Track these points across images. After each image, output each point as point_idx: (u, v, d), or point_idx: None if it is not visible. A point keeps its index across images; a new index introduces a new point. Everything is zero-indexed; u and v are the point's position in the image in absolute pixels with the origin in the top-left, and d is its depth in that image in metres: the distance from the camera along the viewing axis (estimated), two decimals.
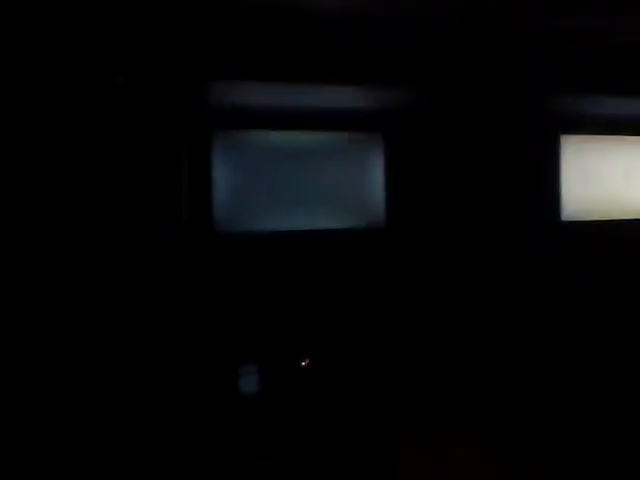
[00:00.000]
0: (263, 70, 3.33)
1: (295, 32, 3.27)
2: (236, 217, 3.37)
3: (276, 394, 3.11)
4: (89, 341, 2.57)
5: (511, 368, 3.75)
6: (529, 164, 4.24)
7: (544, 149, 4.34)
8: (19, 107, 2.44)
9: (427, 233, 3.87)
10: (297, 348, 3.32)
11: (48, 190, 2.53)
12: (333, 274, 3.60)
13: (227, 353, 3.12)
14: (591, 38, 3.71)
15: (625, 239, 4.53)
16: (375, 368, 3.55)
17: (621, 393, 3.10)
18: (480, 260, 3.98)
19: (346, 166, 3.72)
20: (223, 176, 3.38)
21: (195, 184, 3.27)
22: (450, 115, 3.96)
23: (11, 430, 1.84)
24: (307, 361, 2.98)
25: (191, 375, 2.92)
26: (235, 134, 3.45)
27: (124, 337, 2.66)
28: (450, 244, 3.92)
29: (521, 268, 4.10)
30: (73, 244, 2.59)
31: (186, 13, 2.92)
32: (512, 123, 4.16)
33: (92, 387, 2.54)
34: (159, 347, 2.75)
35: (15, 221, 2.38)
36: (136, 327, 2.71)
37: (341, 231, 3.66)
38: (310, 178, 3.60)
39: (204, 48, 3.09)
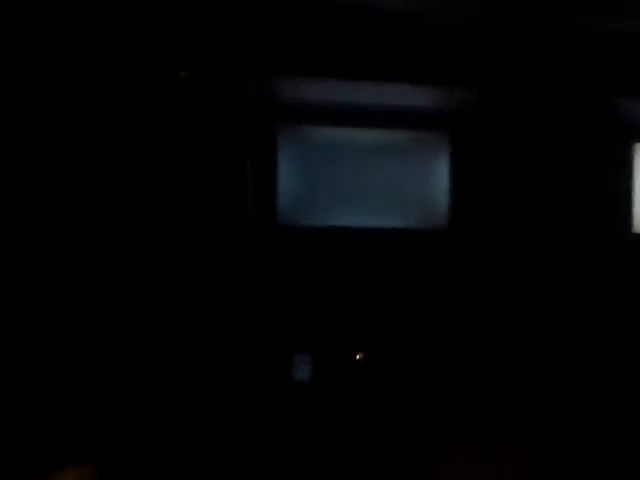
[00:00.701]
0: (329, 66, 3.40)
1: (363, 30, 3.32)
2: (299, 212, 3.46)
3: (327, 384, 3.17)
4: (154, 327, 2.72)
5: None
6: (599, 171, 4.07)
7: (616, 156, 4.16)
8: (84, 102, 2.59)
9: (490, 237, 3.81)
10: (351, 343, 3.37)
11: (115, 185, 2.69)
12: (392, 273, 3.61)
13: (284, 343, 3.21)
14: None
15: None
16: (426, 367, 3.54)
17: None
18: (544, 269, 3.87)
19: (410, 165, 3.73)
20: (287, 171, 3.47)
21: (260, 179, 3.38)
22: (518, 118, 3.88)
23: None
24: (362, 356, 3.03)
25: (248, 363, 3.03)
26: (300, 130, 3.54)
27: (186, 326, 2.80)
28: (513, 250, 3.84)
29: (587, 278, 3.96)
30: (139, 238, 2.74)
31: (252, 9, 3.02)
32: (583, 128, 4.02)
33: (153, 366, 2.68)
34: (220, 335, 2.87)
35: (85, 215, 2.54)
36: (200, 316, 2.84)
37: (403, 231, 3.67)
38: (374, 176, 3.63)
39: (270, 44, 3.18)
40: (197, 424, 2.69)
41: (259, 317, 3.18)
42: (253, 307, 3.16)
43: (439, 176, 3.81)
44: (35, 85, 2.22)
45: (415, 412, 3.20)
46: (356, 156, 3.62)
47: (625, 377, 3.63)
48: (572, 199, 3.98)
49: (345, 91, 3.55)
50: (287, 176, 3.48)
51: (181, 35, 2.86)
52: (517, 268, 3.84)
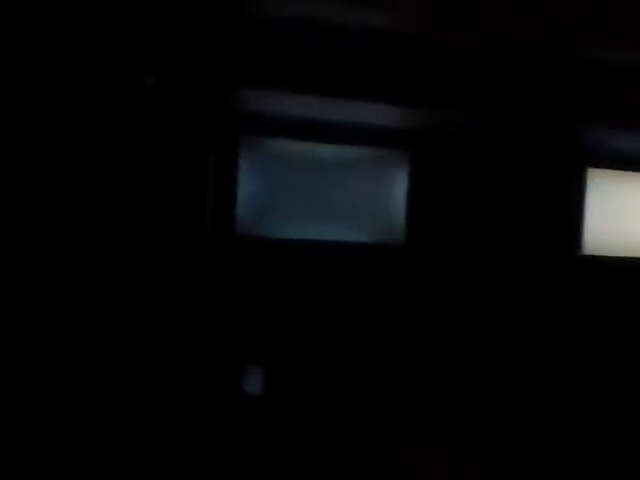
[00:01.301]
0: (293, 80, 3.44)
1: (327, 45, 3.38)
2: (258, 223, 3.47)
3: (279, 396, 3.16)
4: (104, 340, 2.67)
5: (518, 378, 3.72)
6: (553, 194, 4.23)
7: (570, 180, 4.33)
8: (47, 106, 2.56)
9: (445, 252, 3.89)
10: (306, 356, 3.37)
11: (71, 189, 2.65)
12: (348, 285, 3.65)
13: (235, 353, 3.19)
14: (625, 72, 3.72)
15: None
16: (383, 380, 3.57)
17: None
18: (496, 285, 3.98)
19: (369, 181, 3.80)
20: (248, 182, 3.49)
21: (220, 188, 3.39)
22: (477, 139, 4.00)
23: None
24: (317, 371, 3.02)
25: (198, 374, 3.00)
26: (262, 142, 3.57)
27: (139, 336, 2.76)
28: (468, 264, 3.93)
29: (537, 295, 4.08)
30: (95, 244, 2.70)
31: (218, 19, 3.04)
32: (539, 151, 4.17)
33: (101, 386, 2.63)
34: (172, 347, 2.84)
35: (43, 223, 2.49)
36: (153, 326, 2.81)
37: (360, 244, 3.72)
38: (333, 190, 3.68)
39: (235, 55, 3.21)
40: (150, 439, 2.64)
41: (211, 328, 3.16)
42: (205, 317, 3.14)
43: (397, 192, 3.89)
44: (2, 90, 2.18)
45: (374, 427, 3.21)
46: (317, 170, 3.67)
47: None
48: (525, 218, 4.12)
49: (309, 106, 3.59)
50: (247, 187, 3.50)
51: (148, 41, 2.85)
52: (472, 282, 3.94)
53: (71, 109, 2.62)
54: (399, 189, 3.89)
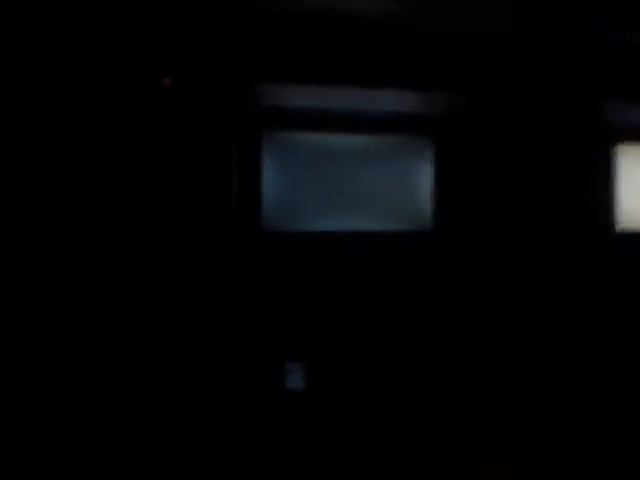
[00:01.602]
0: (314, 72, 3.41)
1: (346, 34, 3.34)
2: (284, 217, 3.43)
3: (320, 391, 3.11)
4: (132, 335, 2.65)
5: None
6: (583, 172, 4.12)
7: (599, 157, 4.22)
8: (70, 106, 2.56)
9: (474, 236, 3.81)
10: (344, 349, 3.32)
11: (97, 187, 2.65)
12: (378, 275, 3.59)
13: (273, 350, 3.15)
14: None
15: None
16: (416, 371, 3.49)
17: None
18: (528, 268, 3.88)
19: (395, 169, 3.74)
20: (272, 176, 3.46)
21: (244, 184, 3.36)
22: (502, 121, 3.92)
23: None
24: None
25: (237, 371, 2.96)
26: (285, 135, 3.53)
27: (170, 333, 2.73)
28: (497, 249, 3.84)
29: (569, 277, 3.97)
30: (120, 245, 2.69)
31: (236, 14, 3.03)
32: (566, 131, 4.08)
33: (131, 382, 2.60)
34: (204, 343, 2.81)
35: (65, 218, 2.48)
36: (183, 323, 2.78)
37: (387, 233, 3.66)
38: (358, 180, 3.64)
39: (254, 49, 3.19)
40: (191, 437, 2.61)
41: (249, 327, 3.12)
42: (240, 316, 3.10)
43: (423, 178, 3.82)
44: (17, 91, 2.19)
45: (413, 418, 3.15)
46: (341, 161, 3.63)
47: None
48: (555, 199, 4.01)
49: (330, 97, 3.56)
50: (271, 182, 3.47)
51: (165, 41, 2.85)
52: (502, 267, 3.84)
53: (94, 112, 2.62)
54: (424, 175, 3.83)
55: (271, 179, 3.45)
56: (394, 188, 3.73)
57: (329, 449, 2.61)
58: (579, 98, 3.81)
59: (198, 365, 2.75)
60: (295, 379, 3.08)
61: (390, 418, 3.15)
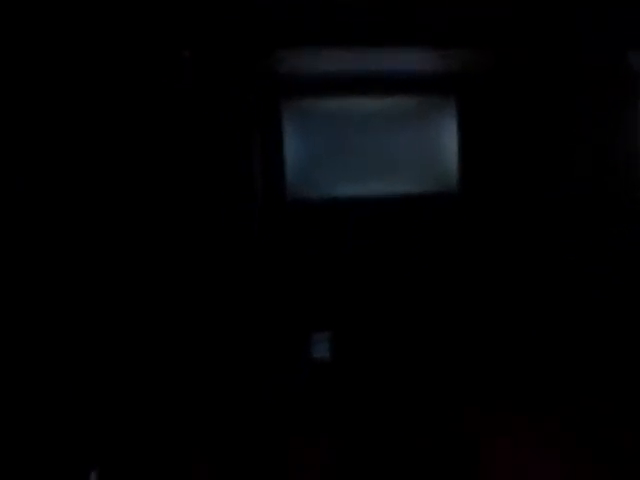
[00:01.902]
0: (331, 35, 3.25)
1: None
2: (308, 184, 3.36)
3: (348, 361, 3.14)
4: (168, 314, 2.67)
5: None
6: (610, 129, 3.92)
7: (621, 115, 4.00)
8: (87, 80, 2.48)
9: (501, 198, 3.71)
10: (369, 315, 3.32)
11: (121, 162, 2.59)
12: (405, 240, 3.54)
13: (299, 320, 3.17)
14: None
15: None
16: (447, 338, 3.50)
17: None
18: (556, 231, 3.79)
19: (419, 131, 3.60)
20: (294, 144, 3.36)
21: (267, 152, 3.28)
22: (526, 79, 3.72)
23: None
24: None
25: (264, 343, 2.99)
26: (304, 102, 3.40)
27: (197, 306, 2.75)
28: (524, 209, 3.75)
29: (601, 240, 3.87)
30: (147, 217, 2.67)
31: None
32: (591, 85, 3.85)
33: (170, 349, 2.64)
34: (229, 316, 2.82)
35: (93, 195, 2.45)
36: (209, 296, 2.79)
37: (413, 196, 3.58)
38: (382, 143, 3.52)
39: (272, 15, 3.03)
40: (217, 411, 2.67)
41: (273, 297, 3.13)
42: (266, 288, 3.10)
43: (448, 140, 3.68)
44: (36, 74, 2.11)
45: (443, 391, 3.17)
46: (363, 125, 3.49)
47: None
48: (583, 158, 3.85)
49: (348, 59, 3.40)
50: (294, 150, 3.37)
51: (182, 13, 2.72)
52: (531, 226, 3.76)
53: (111, 88, 2.53)
54: (449, 136, 3.68)
55: (293, 147, 3.35)
56: (418, 150, 3.60)
57: (357, 420, 2.65)
58: (605, 48, 3.59)
59: (222, 339, 2.78)
60: (322, 349, 3.11)
61: (419, 387, 3.19)
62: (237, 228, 2.88)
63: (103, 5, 2.44)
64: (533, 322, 3.69)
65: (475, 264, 3.68)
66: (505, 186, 3.72)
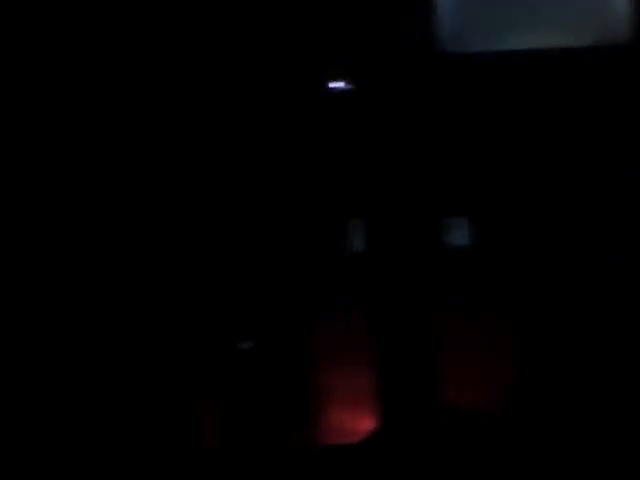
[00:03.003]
0: None
1: None
2: (462, 36, 2.92)
3: (487, 248, 2.96)
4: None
5: None
6: None
7: None
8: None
9: None
10: (513, 199, 3.01)
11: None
12: (570, 96, 3.03)
13: (433, 205, 2.94)
14: None
15: None
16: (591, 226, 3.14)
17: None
18: None
19: None
20: None
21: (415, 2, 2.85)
22: None
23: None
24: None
25: (396, 228, 2.84)
26: None
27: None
28: None
29: None
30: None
31: None
32: None
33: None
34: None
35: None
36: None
37: (580, 49, 3.01)
38: None
39: None
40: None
41: (409, 176, 2.88)
42: (403, 162, 2.84)
43: None
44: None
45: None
46: None
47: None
48: None
49: None
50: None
51: None
52: None
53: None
54: None
55: None
56: None
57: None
58: None
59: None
60: (460, 236, 2.94)
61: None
62: (387, 78, 2.61)
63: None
64: None
65: None
66: None
